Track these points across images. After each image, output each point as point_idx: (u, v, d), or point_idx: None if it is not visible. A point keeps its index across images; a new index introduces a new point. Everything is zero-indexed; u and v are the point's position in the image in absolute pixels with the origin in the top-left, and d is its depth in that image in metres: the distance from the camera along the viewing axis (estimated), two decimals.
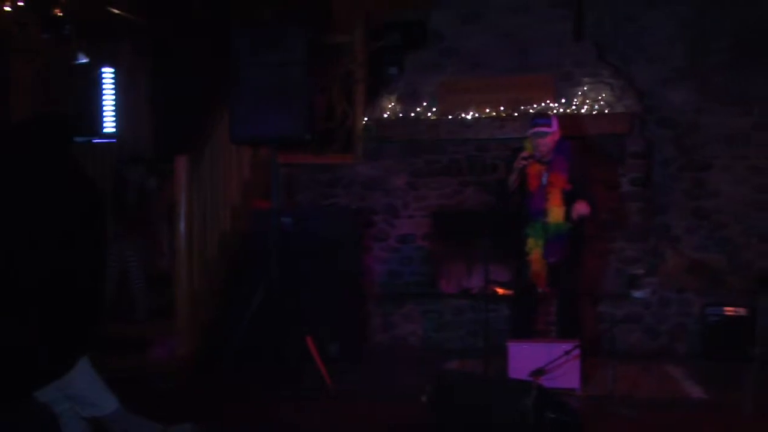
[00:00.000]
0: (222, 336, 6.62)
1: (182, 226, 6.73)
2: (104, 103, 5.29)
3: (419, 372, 6.67)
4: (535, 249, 6.31)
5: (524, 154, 6.31)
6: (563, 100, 8.07)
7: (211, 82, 7.38)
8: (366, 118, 8.54)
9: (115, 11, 8.27)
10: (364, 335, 7.80)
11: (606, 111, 7.98)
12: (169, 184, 7.08)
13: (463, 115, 8.17)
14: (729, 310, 7.26)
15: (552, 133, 6.27)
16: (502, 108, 8.12)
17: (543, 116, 6.46)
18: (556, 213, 6.21)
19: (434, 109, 8.30)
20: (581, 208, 6.07)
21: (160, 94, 9.10)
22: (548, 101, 8.05)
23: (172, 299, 6.75)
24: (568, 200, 6.22)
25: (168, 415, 4.84)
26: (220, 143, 7.27)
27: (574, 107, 8.01)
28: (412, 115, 8.32)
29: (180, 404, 5.81)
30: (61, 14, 6.53)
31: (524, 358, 5.93)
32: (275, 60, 6.15)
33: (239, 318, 6.17)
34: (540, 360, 5.80)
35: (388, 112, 8.39)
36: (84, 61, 5.68)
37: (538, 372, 5.70)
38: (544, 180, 6.33)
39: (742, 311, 7.19)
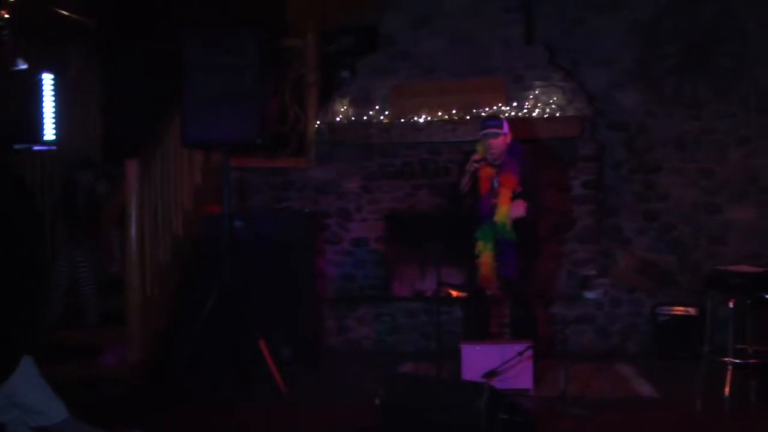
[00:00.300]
0: (174, 341, 6.55)
1: (133, 230, 6.66)
2: (44, 109, 5.20)
3: (373, 375, 6.65)
4: (484, 252, 6.34)
5: (476, 156, 6.34)
6: (515, 104, 8.12)
7: (163, 86, 7.31)
8: (318, 122, 8.51)
9: (64, 13, 8.15)
10: (318, 339, 7.78)
11: (557, 114, 8.04)
12: (120, 189, 7.00)
13: (415, 119, 8.18)
14: (679, 310, 7.35)
15: (503, 134, 6.29)
16: (454, 111, 8.15)
17: (494, 118, 6.50)
18: (503, 212, 6.23)
19: (387, 113, 8.30)
20: (517, 209, 6.11)
21: (111, 97, 8.99)
22: (500, 104, 8.09)
23: (124, 305, 6.67)
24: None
25: (118, 423, 4.79)
26: (171, 147, 7.23)
27: (525, 110, 8.06)
28: (365, 118, 8.31)
29: (131, 411, 5.76)
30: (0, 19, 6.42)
31: (477, 359, 5.95)
32: (227, 64, 6.11)
33: (192, 323, 6.12)
34: (493, 361, 5.84)
35: (341, 116, 8.38)
36: (23, 67, 5.57)
37: (491, 373, 5.73)
38: (496, 183, 6.36)
39: (691, 311, 7.29)
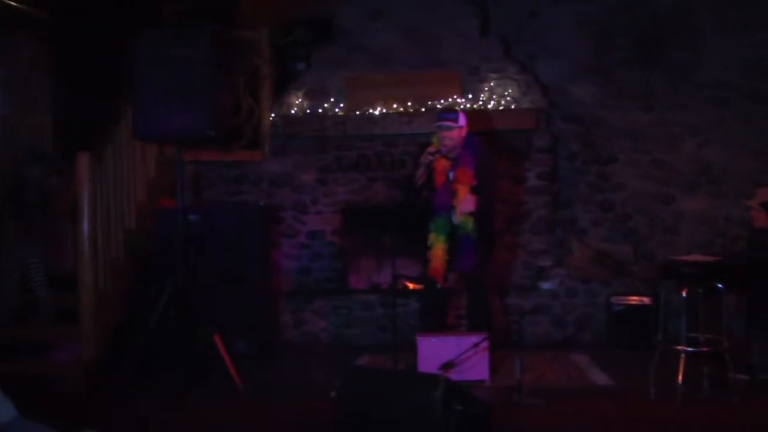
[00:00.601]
0: (128, 338, 6.47)
1: (85, 225, 6.54)
2: None
3: (329, 368, 6.67)
4: (436, 244, 6.35)
5: (431, 149, 6.33)
6: (470, 96, 8.13)
7: (116, 79, 7.21)
8: (273, 115, 8.45)
9: (13, 4, 8.01)
10: (274, 332, 7.73)
11: (512, 106, 8.07)
12: (72, 183, 6.90)
13: (370, 111, 8.15)
14: (633, 300, 7.42)
15: (457, 127, 6.29)
16: (409, 103, 8.14)
17: (449, 111, 6.49)
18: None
19: (342, 105, 8.27)
20: (466, 205, 6.13)
21: (62, 90, 8.84)
22: (455, 96, 8.10)
23: (77, 302, 6.57)
24: (477, 195, 6.27)
25: (71, 422, 4.71)
26: (124, 140, 7.11)
27: (481, 102, 8.08)
28: (320, 111, 8.27)
29: (84, 409, 5.67)
30: None
31: (433, 351, 5.96)
32: (180, 56, 6.01)
33: (146, 319, 6.06)
34: (449, 353, 5.84)
35: (296, 108, 8.34)
36: None
37: (448, 365, 5.73)
38: (451, 176, 6.36)
39: (646, 300, 7.37)
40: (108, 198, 6.89)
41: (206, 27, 6.08)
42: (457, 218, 6.29)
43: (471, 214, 6.17)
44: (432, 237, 6.37)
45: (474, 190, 6.25)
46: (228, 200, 8.43)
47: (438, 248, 6.34)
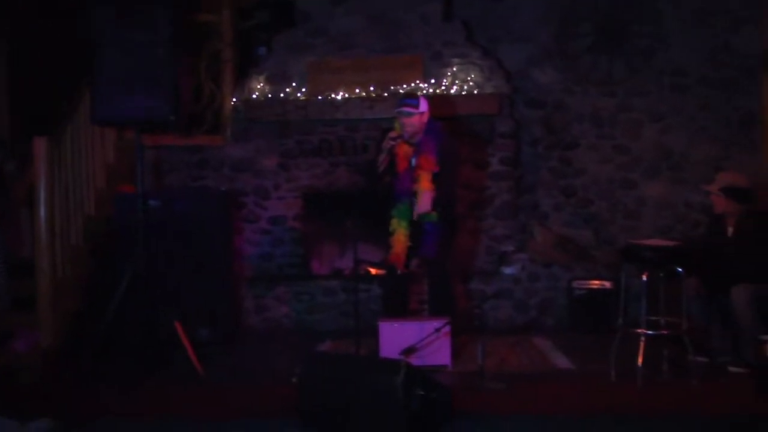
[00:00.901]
0: (88, 325, 6.40)
1: (43, 211, 6.44)
2: None
3: (291, 354, 6.63)
4: (398, 230, 6.34)
5: (392, 134, 6.31)
6: (433, 81, 8.11)
7: (74, 62, 7.10)
8: (234, 99, 8.37)
9: None
10: (236, 319, 7.68)
11: (475, 92, 8.06)
12: (29, 168, 6.79)
13: (332, 96, 8.10)
14: (595, 284, 7.47)
15: (419, 113, 6.27)
16: (371, 88, 8.10)
17: (410, 96, 6.47)
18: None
19: (304, 90, 8.20)
20: (423, 206, 6.13)
21: (17, 73, 8.69)
22: (418, 81, 8.07)
23: (35, 289, 6.47)
24: (437, 182, 6.26)
25: (27, 411, 4.65)
26: (82, 124, 7.01)
27: (443, 87, 8.06)
28: (282, 95, 8.20)
29: (41, 398, 5.57)
30: None
31: (395, 337, 5.94)
32: (140, 39, 5.95)
33: (105, 306, 6.00)
34: (411, 338, 5.84)
35: (257, 93, 8.26)
36: None
37: (409, 350, 5.73)
38: (413, 161, 6.34)
39: (607, 284, 7.41)
40: (66, 183, 6.79)
41: (168, 9, 6.00)
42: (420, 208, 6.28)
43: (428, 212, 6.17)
44: (394, 222, 6.37)
45: (436, 176, 6.24)
46: (189, 185, 8.34)
47: (400, 234, 6.33)
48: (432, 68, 8.20)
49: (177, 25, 6.03)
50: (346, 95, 8.10)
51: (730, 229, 6.13)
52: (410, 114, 6.24)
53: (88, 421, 5.03)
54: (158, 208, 6.63)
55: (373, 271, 7.95)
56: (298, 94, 8.19)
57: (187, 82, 8.24)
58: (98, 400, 5.50)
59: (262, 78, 8.32)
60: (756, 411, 4.97)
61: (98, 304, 6.47)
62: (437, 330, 5.79)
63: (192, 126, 8.38)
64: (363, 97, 8.08)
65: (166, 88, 5.95)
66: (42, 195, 6.44)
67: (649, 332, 5.62)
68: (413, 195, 6.30)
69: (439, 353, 5.98)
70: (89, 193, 7.16)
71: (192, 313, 6.38)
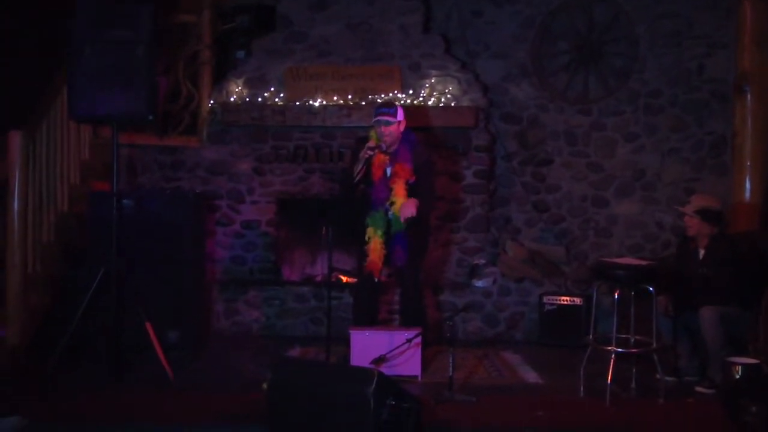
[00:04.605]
0: (57, 323, 6.33)
1: (15, 206, 6.36)
2: None
3: (261, 359, 6.61)
4: (374, 239, 6.34)
5: (370, 143, 6.31)
6: (411, 91, 8.13)
7: (50, 58, 7.03)
8: (212, 101, 8.33)
9: None
10: (207, 322, 7.63)
11: (452, 104, 8.09)
12: (2, 162, 6.71)
13: (310, 102, 8.10)
14: (565, 300, 7.50)
15: (396, 122, 6.28)
16: (349, 96, 8.10)
17: (387, 105, 6.46)
18: (398, 208, 6.26)
19: (281, 95, 8.19)
20: (407, 209, 6.14)
21: None
22: (395, 92, 8.09)
23: (3, 284, 6.39)
24: (412, 192, 6.28)
25: None
26: (58, 120, 6.94)
27: (421, 99, 8.08)
28: (259, 100, 8.18)
29: (8, 396, 5.50)
30: None
31: (366, 345, 5.96)
32: (119, 37, 5.94)
33: (75, 304, 5.95)
34: (382, 348, 5.85)
35: (235, 96, 8.23)
36: None
37: (380, 359, 5.74)
38: (389, 171, 6.35)
39: (577, 300, 7.45)
40: (40, 178, 6.72)
41: (148, 9, 5.98)
42: (394, 215, 6.28)
43: (413, 217, 6.17)
44: (370, 231, 6.36)
45: (411, 186, 6.25)
46: (163, 186, 8.29)
47: (375, 242, 6.33)
48: (410, 79, 8.23)
49: (156, 25, 6.02)
50: (324, 102, 8.10)
51: (702, 251, 6.18)
52: (388, 123, 6.25)
53: (55, 421, 4.98)
54: (131, 208, 6.56)
55: (344, 278, 7.95)
56: (276, 99, 8.17)
57: (165, 83, 8.24)
58: (64, 401, 5.44)
59: (240, 81, 8.30)
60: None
61: (68, 302, 6.41)
62: (409, 340, 5.80)
63: (168, 127, 8.34)
64: (340, 105, 8.08)
65: (145, 87, 5.95)
66: (15, 190, 6.36)
67: (619, 350, 5.66)
68: (389, 203, 6.30)
69: (409, 363, 6.00)
70: (63, 189, 7.08)
71: (162, 316, 6.31)
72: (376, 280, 6.42)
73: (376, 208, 6.37)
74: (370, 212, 6.40)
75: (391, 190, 6.31)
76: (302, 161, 8.26)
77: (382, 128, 6.28)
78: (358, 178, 6.36)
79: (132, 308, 6.02)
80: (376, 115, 6.34)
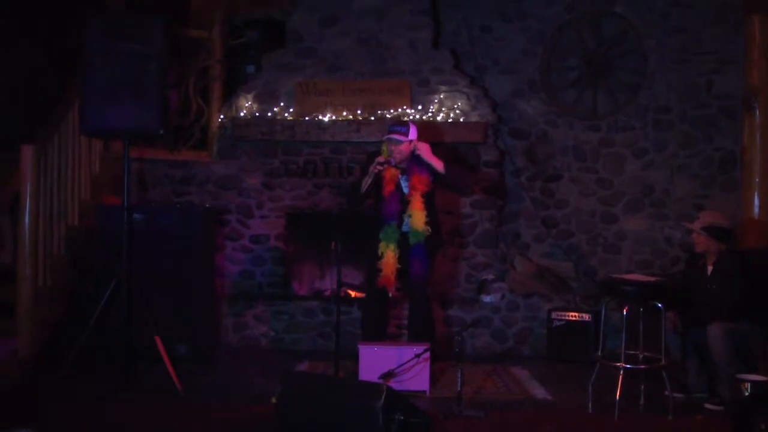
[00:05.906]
0: (68, 336, 6.34)
1: (27, 219, 6.41)
2: None
3: (270, 373, 6.61)
4: (387, 252, 6.34)
5: (380, 158, 6.31)
6: (420, 107, 8.16)
7: (62, 71, 7.08)
8: (222, 116, 8.38)
9: None
10: (215, 336, 7.63)
11: (461, 119, 8.11)
12: (13, 175, 6.75)
13: (320, 117, 8.13)
14: (573, 315, 7.48)
15: (406, 142, 6.29)
16: (358, 111, 8.14)
17: (401, 124, 6.47)
18: (417, 217, 6.28)
19: (291, 110, 8.23)
20: (426, 152, 6.22)
21: (2, 79, 8.63)
22: (405, 107, 8.13)
23: (15, 296, 6.41)
24: (429, 204, 6.31)
25: (5, 419, 4.60)
26: (69, 134, 6.98)
27: (430, 114, 8.11)
28: (269, 114, 8.22)
29: (19, 408, 5.51)
30: None
31: (375, 360, 5.95)
32: (131, 51, 5.97)
33: (85, 317, 5.96)
34: (390, 363, 5.84)
35: (245, 111, 8.27)
36: None
37: (388, 374, 5.73)
38: (404, 186, 6.38)
39: (585, 316, 7.43)
40: (51, 192, 6.76)
41: (160, 23, 6.02)
42: (411, 228, 6.30)
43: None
44: (382, 246, 6.35)
45: (428, 197, 6.29)
46: (173, 200, 8.32)
47: (389, 256, 6.32)
48: (419, 94, 8.26)
49: (168, 39, 6.05)
50: (333, 117, 8.13)
51: (710, 268, 6.18)
52: (399, 142, 6.26)
53: None
54: (141, 222, 6.59)
55: (352, 293, 7.96)
56: (286, 114, 8.21)
57: (175, 97, 8.28)
58: (76, 413, 5.45)
59: (250, 96, 8.34)
60: None
61: (78, 315, 6.42)
62: (417, 355, 5.80)
63: (178, 141, 8.38)
64: (350, 120, 8.12)
65: (156, 101, 5.99)
66: (27, 203, 6.41)
67: (628, 366, 5.65)
68: (407, 216, 6.32)
69: (417, 378, 5.99)
70: (73, 203, 7.12)
71: (171, 329, 6.33)
72: (390, 294, 6.43)
73: (388, 222, 6.38)
74: (383, 226, 6.40)
75: (402, 203, 6.33)
76: (312, 176, 8.29)
77: (393, 147, 6.30)
78: (365, 191, 6.36)
79: (142, 321, 6.03)
80: (388, 133, 6.36)
